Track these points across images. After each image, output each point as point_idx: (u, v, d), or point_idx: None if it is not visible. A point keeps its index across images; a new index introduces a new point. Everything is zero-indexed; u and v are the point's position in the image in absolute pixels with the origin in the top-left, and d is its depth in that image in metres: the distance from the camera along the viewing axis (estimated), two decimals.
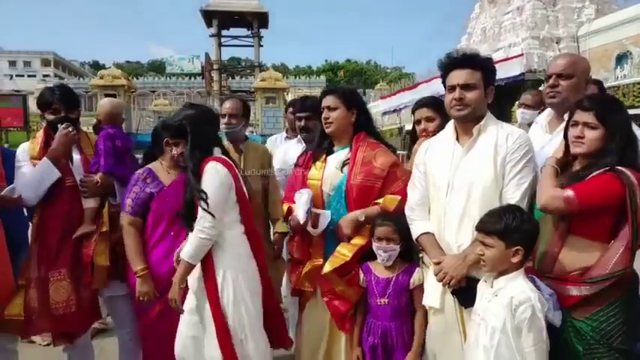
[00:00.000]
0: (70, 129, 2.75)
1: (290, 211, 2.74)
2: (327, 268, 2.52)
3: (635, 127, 2.08)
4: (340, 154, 2.72)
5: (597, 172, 1.91)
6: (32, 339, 4.02)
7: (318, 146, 2.84)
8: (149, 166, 2.79)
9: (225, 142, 3.25)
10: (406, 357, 2.42)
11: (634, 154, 1.95)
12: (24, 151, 2.80)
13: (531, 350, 1.82)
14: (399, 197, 2.53)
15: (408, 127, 12.33)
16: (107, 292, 2.89)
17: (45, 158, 2.69)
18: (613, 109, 2.00)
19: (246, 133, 3.68)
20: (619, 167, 1.89)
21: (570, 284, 1.94)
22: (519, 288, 1.89)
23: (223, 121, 3.25)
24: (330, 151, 2.77)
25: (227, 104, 3.34)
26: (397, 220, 2.47)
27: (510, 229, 1.90)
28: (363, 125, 2.74)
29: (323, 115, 2.72)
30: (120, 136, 3.01)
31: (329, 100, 2.70)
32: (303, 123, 3.58)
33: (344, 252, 2.54)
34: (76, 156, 2.91)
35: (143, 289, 2.56)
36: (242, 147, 3.33)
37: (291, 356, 3.07)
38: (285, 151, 3.89)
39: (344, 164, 2.66)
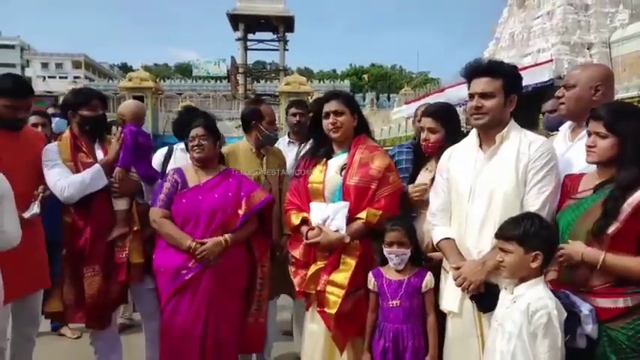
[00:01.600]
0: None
1: (306, 221, 2.73)
2: (330, 311, 2.57)
3: None
4: (340, 159, 2.75)
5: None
6: (62, 332, 4.13)
7: (316, 150, 2.86)
8: (181, 166, 2.95)
9: (246, 145, 3.31)
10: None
11: None
12: (54, 151, 2.88)
13: (546, 356, 1.83)
14: (381, 212, 2.59)
15: None
16: (137, 286, 3.00)
17: (98, 165, 2.84)
18: (625, 117, 1.97)
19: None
20: None
21: (605, 297, 1.93)
22: (537, 295, 1.89)
23: (273, 127, 3.39)
24: (329, 156, 2.80)
25: (271, 110, 3.46)
26: (406, 224, 2.53)
27: (529, 235, 1.91)
28: (362, 129, 2.79)
29: (329, 120, 2.72)
30: (142, 134, 3.11)
31: (335, 105, 2.72)
32: (297, 118, 3.89)
33: (338, 281, 2.58)
34: (100, 155, 3.00)
35: (214, 250, 2.69)
36: (263, 151, 3.36)
37: (296, 355, 3.11)
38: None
39: (342, 168, 2.69)
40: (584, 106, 2.30)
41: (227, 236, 2.74)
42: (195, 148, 2.85)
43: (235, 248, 2.81)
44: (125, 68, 75.21)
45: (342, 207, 2.61)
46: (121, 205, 2.91)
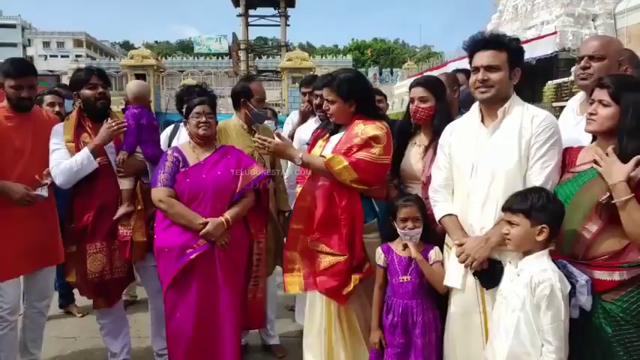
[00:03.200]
0: (114, 125, 2.87)
1: None
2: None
3: None
4: (339, 136, 2.76)
5: None
6: (69, 309, 4.27)
7: (327, 124, 2.90)
8: (178, 145, 2.95)
9: (238, 122, 3.32)
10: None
11: None
12: (59, 132, 2.92)
13: (549, 328, 1.85)
14: (346, 164, 2.52)
15: None
16: (141, 263, 3.07)
17: (86, 150, 2.82)
18: (631, 88, 1.95)
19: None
20: None
21: (602, 269, 1.94)
22: (541, 267, 1.91)
23: (262, 105, 3.32)
24: (336, 132, 2.81)
25: (261, 88, 3.36)
26: (418, 200, 2.53)
27: (536, 208, 1.92)
28: (364, 112, 2.71)
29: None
30: (145, 114, 3.11)
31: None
32: (318, 101, 3.49)
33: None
34: None
35: (216, 232, 2.70)
36: (254, 127, 3.32)
37: (301, 329, 3.19)
38: (302, 130, 3.96)
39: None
40: None
41: (227, 215, 2.75)
42: (202, 124, 2.83)
43: (237, 224, 2.83)
44: (127, 46, 74.61)
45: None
46: (125, 184, 2.94)
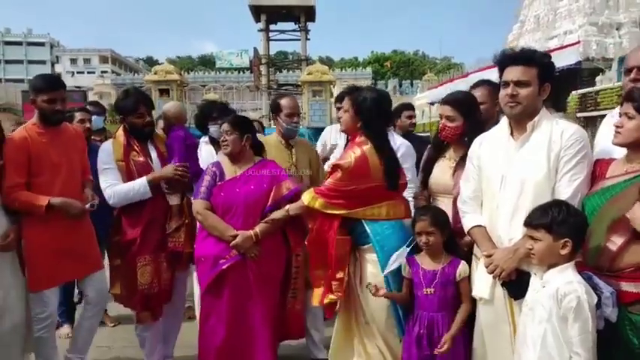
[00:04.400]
0: (180, 171, 3.09)
1: None
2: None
3: None
4: None
5: None
6: (103, 320, 4.40)
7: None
8: (219, 159, 3.10)
9: (276, 137, 3.44)
10: (444, 336, 2.45)
11: None
12: (108, 152, 3.10)
13: (577, 340, 1.85)
14: (313, 193, 2.68)
15: None
16: (178, 274, 3.24)
17: (145, 180, 3.02)
18: None
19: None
20: None
21: (628, 281, 1.94)
22: (566, 279, 1.92)
23: (291, 119, 3.41)
24: None
25: (291, 103, 3.47)
26: (435, 212, 2.55)
27: (557, 222, 1.93)
28: (371, 129, 2.72)
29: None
30: (189, 136, 3.31)
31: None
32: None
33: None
34: (153, 153, 3.22)
35: (244, 244, 2.81)
36: (292, 142, 3.48)
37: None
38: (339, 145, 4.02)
39: None
40: None
41: (257, 229, 2.84)
42: (223, 144, 2.99)
43: (272, 237, 2.91)
44: (150, 62, 76.21)
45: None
46: (174, 200, 3.13)
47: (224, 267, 2.82)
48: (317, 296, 2.79)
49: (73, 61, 69.81)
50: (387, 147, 2.76)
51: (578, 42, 13.28)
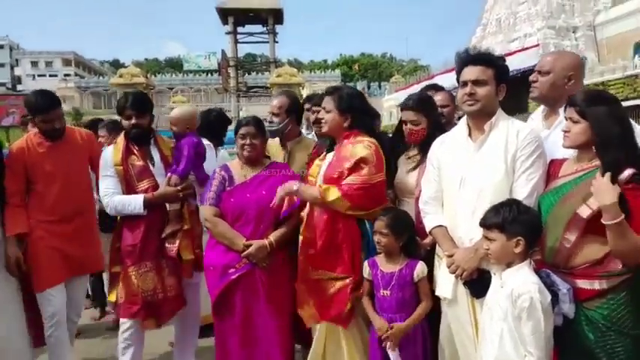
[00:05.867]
0: (181, 194, 3.01)
1: None
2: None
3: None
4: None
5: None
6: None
7: (322, 143, 2.93)
8: (227, 163, 3.03)
9: (270, 140, 3.26)
10: (396, 325, 2.45)
11: (634, 149, 1.95)
12: (107, 158, 3.07)
13: (530, 339, 1.90)
14: (339, 194, 2.52)
15: None
16: (187, 281, 3.14)
17: (141, 199, 2.96)
18: (596, 103, 2.02)
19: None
20: None
21: (583, 278, 2.00)
22: (521, 279, 1.97)
23: (273, 118, 3.27)
24: (330, 149, 2.82)
25: (272, 102, 3.33)
26: (394, 216, 2.53)
27: (508, 221, 1.98)
28: (358, 127, 2.70)
29: (318, 115, 2.82)
30: (201, 144, 3.20)
31: (325, 102, 2.76)
32: (315, 116, 3.34)
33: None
34: (156, 157, 3.14)
35: (258, 254, 2.69)
36: (289, 144, 3.30)
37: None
38: None
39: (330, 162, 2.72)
40: (557, 93, 2.43)
41: (272, 238, 2.72)
42: (246, 147, 2.84)
43: (287, 246, 2.79)
44: (116, 64, 74.60)
45: None
46: (173, 205, 3.04)
47: (233, 277, 2.71)
48: (310, 317, 2.67)
49: (34, 63, 67.56)
50: (383, 142, 2.75)
51: (538, 44, 13.74)
